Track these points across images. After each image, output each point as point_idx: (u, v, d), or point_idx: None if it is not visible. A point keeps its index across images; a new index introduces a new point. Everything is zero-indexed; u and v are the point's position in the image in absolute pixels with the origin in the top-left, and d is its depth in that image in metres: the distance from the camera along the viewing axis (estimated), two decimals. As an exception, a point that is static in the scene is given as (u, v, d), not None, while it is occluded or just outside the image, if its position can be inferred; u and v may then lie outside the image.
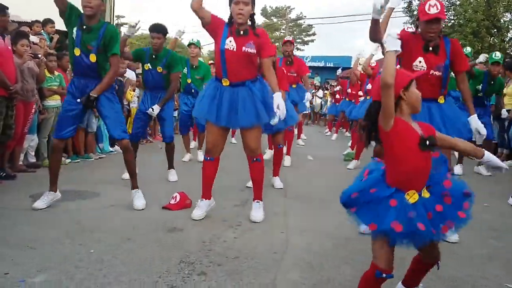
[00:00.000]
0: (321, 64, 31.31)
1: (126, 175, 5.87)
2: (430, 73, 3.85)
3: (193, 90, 7.64)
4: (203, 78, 7.63)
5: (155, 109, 5.81)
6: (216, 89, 4.20)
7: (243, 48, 4.10)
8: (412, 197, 2.24)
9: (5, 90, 5.42)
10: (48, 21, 8.66)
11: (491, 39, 17.38)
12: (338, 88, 14.96)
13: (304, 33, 44.46)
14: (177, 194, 4.66)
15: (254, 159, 4.33)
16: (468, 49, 8.85)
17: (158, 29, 5.73)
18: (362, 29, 66.00)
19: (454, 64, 3.92)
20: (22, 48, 5.94)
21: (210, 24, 4.10)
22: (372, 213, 2.25)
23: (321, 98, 21.89)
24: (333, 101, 16.20)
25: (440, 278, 3.09)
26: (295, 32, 43.66)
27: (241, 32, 4.12)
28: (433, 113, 3.91)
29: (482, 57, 7.64)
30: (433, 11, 3.67)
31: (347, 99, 11.73)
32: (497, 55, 7.36)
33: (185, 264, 3.14)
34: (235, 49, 4.09)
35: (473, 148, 2.47)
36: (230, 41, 4.10)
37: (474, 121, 3.91)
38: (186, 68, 7.57)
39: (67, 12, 4.25)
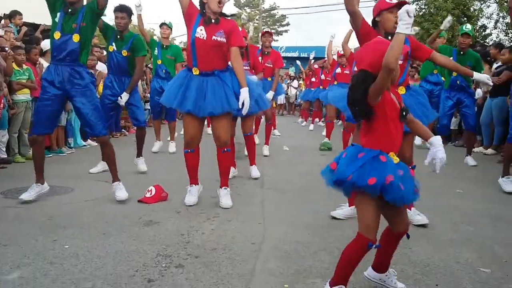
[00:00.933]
0: (296, 54, 31.35)
1: (95, 169, 5.81)
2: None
3: (164, 71, 7.59)
4: (174, 58, 7.63)
5: (124, 97, 5.70)
6: (185, 77, 4.25)
7: (213, 37, 4.15)
8: (394, 158, 2.39)
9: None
10: (16, 13, 8.45)
11: (464, 27, 17.58)
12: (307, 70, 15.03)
13: (278, 24, 44.39)
14: (152, 188, 4.62)
15: (225, 149, 4.36)
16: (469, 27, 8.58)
17: (122, 9, 5.66)
18: (337, 19, 66.25)
19: (419, 55, 3.88)
20: (-12, 41, 5.78)
21: (187, 10, 4.17)
22: (368, 170, 2.30)
23: (296, 88, 21.96)
24: (307, 87, 16.13)
25: (413, 263, 3.15)
26: (269, 23, 43.56)
27: (212, 21, 4.15)
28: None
29: (446, 23, 7.07)
30: None
31: (321, 87, 11.78)
32: (468, 26, 7.11)
33: (162, 257, 3.12)
34: (205, 38, 4.15)
35: (425, 130, 2.59)
36: (201, 30, 4.16)
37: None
38: (156, 49, 7.56)
39: None
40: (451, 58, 6.79)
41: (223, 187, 4.48)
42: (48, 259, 3.02)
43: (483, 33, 18.84)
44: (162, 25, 7.85)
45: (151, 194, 4.57)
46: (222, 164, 4.47)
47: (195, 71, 4.20)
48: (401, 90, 3.90)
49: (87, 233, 3.58)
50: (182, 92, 4.20)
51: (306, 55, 30.42)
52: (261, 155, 7.39)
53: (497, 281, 2.90)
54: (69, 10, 4.23)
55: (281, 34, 44.59)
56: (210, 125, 4.41)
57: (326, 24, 67.59)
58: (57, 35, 4.24)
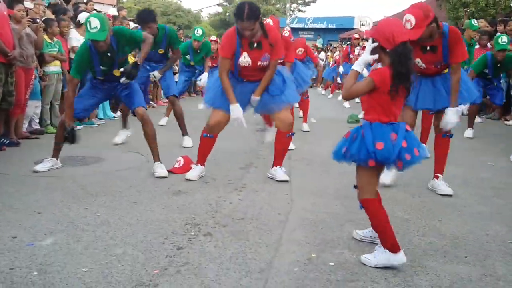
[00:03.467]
0: (323, 25, 30.87)
1: (118, 139, 5.87)
2: (431, 66, 3.95)
3: (197, 70, 8.15)
4: (204, 56, 8.03)
5: (156, 75, 5.88)
6: (231, 80, 4.18)
7: (259, 62, 4.11)
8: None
9: (4, 57, 5.37)
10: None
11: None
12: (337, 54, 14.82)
13: (305, -6, 43.59)
14: (181, 158, 4.68)
15: (289, 133, 4.41)
16: (474, 22, 8.53)
17: (147, 20, 5.62)
18: (364, -12, 64.55)
19: (450, 54, 3.86)
20: (19, 13, 5.85)
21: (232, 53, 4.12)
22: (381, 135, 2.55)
23: (323, 60, 21.65)
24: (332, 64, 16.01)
25: (442, 235, 3.13)
26: (296, -7, 42.80)
27: (255, 45, 4.06)
28: (437, 85, 4.02)
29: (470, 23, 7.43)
30: (408, 26, 3.53)
31: (348, 63, 11.58)
32: (504, 40, 6.89)
33: (191, 226, 3.18)
34: (250, 64, 4.10)
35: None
36: (245, 57, 4.08)
37: (450, 114, 3.91)
38: (188, 55, 7.96)
39: None
40: (487, 70, 7.05)
41: (278, 167, 4.44)
42: (80, 227, 3.11)
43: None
44: (194, 40, 7.90)
45: (179, 164, 4.63)
46: (283, 146, 4.45)
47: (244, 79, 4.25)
48: (445, 71, 4.02)
49: (118, 201, 3.67)
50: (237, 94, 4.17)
51: (333, 26, 29.96)
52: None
53: (528, 254, 2.86)
54: (107, 54, 4.29)
55: (309, 5, 43.81)
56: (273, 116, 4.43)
57: (355, -6, 65.92)
58: (101, 78, 4.46)
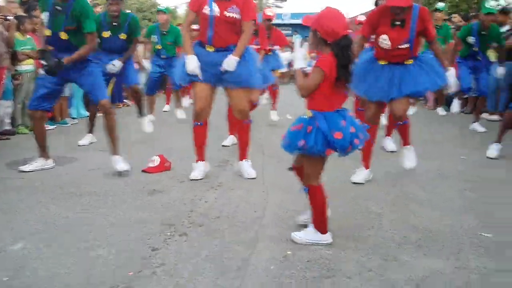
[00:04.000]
0: (301, 21, 30.87)
1: (83, 141, 5.81)
2: (397, 47, 3.98)
3: (164, 56, 7.56)
4: (174, 42, 7.55)
5: (116, 63, 5.64)
6: (200, 54, 4.11)
7: (225, 12, 4.05)
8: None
9: (-27, 56, 5.24)
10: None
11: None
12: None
13: (281, -11, 43.59)
14: (155, 157, 4.63)
15: (246, 121, 4.37)
16: (441, 4, 8.63)
17: None
18: (339, -16, 64.84)
19: (423, 33, 4.02)
20: (-12, 11, 5.71)
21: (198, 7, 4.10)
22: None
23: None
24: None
25: (416, 229, 3.17)
26: (272, -12, 42.77)
27: None
28: (394, 75, 4.07)
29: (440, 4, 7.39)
30: None
31: None
32: (491, 3, 6.68)
33: (166, 226, 3.15)
34: (218, 14, 4.04)
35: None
36: (215, 7, 4.04)
37: (450, 77, 4.11)
38: (156, 36, 7.51)
39: None
40: (473, 37, 6.79)
41: (245, 160, 4.44)
42: (51, 230, 3.05)
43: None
44: (158, 11, 7.77)
45: (154, 164, 4.58)
46: (243, 136, 4.44)
47: (210, 48, 4.12)
48: (408, 62, 4.09)
49: (91, 202, 3.61)
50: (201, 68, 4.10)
51: (310, 22, 29.96)
52: (264, 125, 7.36)
53: (499, 246, 2.91)
54: (57, 7, 4.16)
55: (285, 0, 43.81)
56: (229, 99, 4.35)
57: (331, -10, 66.07)
58: (48, 32, 4.25)
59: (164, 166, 4.58)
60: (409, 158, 4.47)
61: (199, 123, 4.31)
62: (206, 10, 4.05)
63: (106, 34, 5.65)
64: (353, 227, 3.19)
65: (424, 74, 4.07)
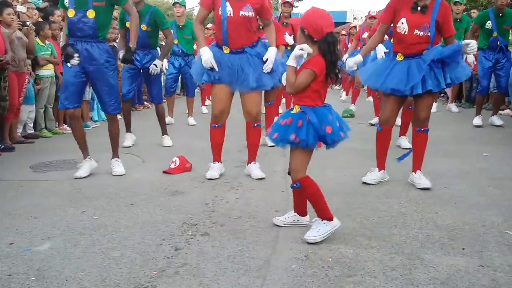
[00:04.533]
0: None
1: (127, 143, 5.85)
2: (414, 33, 3.87)
3: (181, 51, 7.53)
4: (191, 37, 7.47)
5: (158, 64, 5.68)
6: (216, 56, 4.13)
7: (241, 12, 4.05)
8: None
9: (-4, 61, 5.35)
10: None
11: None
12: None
13: (298, -11, 43.50)
14: (176, 159, 4.67)
15: (255, 124, 4.37)
16: None
17: None
18: (357, -18, 64.39)
19: (441, 29, 3.91)
20: (9, 17, 5.82)
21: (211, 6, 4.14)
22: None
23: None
24: None
25: (439, 227, 3.14)
26: (288, -12, 42.67)
27: None
28: (410, 69, 3.90)
29: None
30: None
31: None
32: None
33: (188, 226, 3.18)
34: (232, 14, 4.04)
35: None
36: (227, 7, 4.04)
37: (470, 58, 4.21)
38: (172, 30, 7.44)
39: None
40: (489, 22, 6.74)
41: (252, 162, 4.44)
42: (78, 230, 3.10)
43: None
44: (174, 4, 7.69)
45: (175, 165, 4.62)
46: (252, 139, 4.44)
47: (226, 50, 4.14)
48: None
49: (115, 203, 3.66)
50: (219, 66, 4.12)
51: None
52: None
53: (524, 244, 2.87)
54: None
55: (301, 0, 43.71)
56: (241, 101, 4.34)
57: (347, -12, 65.85)
58: (71, 12, 4.12)
59: (185, 167, 4.62)
60: (423, 183, 4.03)
61: (217, 125, 4.32)
62: (219, 11, 4.06)
63: (144, 27, 5.64)
64: (376, 226, 3.17)
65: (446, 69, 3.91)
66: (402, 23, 3.88)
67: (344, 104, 10.27)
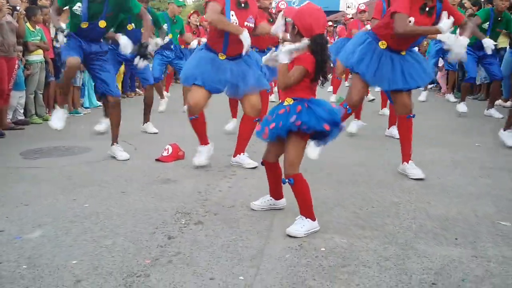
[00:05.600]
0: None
1: (100, 127, 5.84)
2: None
3: (172, 46, 7.56)
4: (180, 31, 7.76)
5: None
6: (213, 60, 4.12)
7: (245, 23, 4.04)
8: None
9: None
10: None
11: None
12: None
13: (290, -24, 43.24)
14: (169, 146, 4.63)
15: (256, 119, 4.34)
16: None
17: None
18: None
19: (454, 17, 3.86)
20: (-1, 1, 5.71)
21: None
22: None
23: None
24: None
25: (431, 217, 3.15)
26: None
27: (242, 5, 4.02)
28: (396, 65, 3.96)
29: None
30: None
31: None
32: None
33: (182, 215, 3.16)
34: (237, 24, 4.00)
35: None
36: (232, 15, 4.00)
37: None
38: (166, 24, 7.39)
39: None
40: (487, 23, 6.77)
41: (242, 153, 4.41)
42: (69, 218, 3.07)
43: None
44: (169, 3, 7.85)
45: (168, 152, 4.59)
46: (247, 133, 4.37)
47: (222, 56, 4.12)
48: (403, 52, 4.01)
49: (106, 191, 3.63)
50: (216, 73, 4.12)
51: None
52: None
53: (517, 234, 2.89)
54: None
55: None
56: (241, 99, 4.37)
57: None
58: (84, 24, 4.27)
59: (177, 155, 4.59)
60: (416, 173, 4.03)
61: (194, 117, 4.27)
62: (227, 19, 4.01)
63: (130, 26, 5.65)
64: (369, 216, 3.17)
65: (419, 68, 4.02)
66: (410, 22, 3.84)
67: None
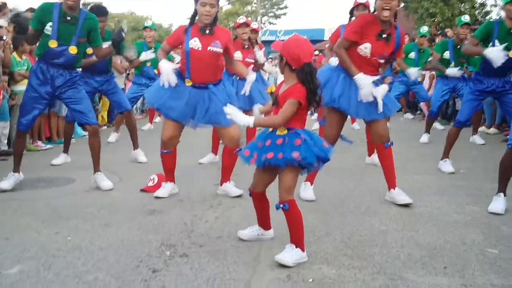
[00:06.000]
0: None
1: (58, 161, 5.78)
2: (374, 59, 3.95)
3: (148, 74, 7.59)
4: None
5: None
6: (176, 86, 4.09)
7: (209, 47, 4.05)
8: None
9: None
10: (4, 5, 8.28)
11: (461, 5, 17.43)
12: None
13: (276, 7, 44.04)
14: (155, 176, 4.59)
15: (238, 149, 4.26)
16: (425, 29, 8.79)
17: (102, 13, 5.50)
18: (333, 1, 65.79)
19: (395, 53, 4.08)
20: (-16, 31, 5.70)
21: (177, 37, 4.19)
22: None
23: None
24: None
25: (420, 246, 3.12)
26: (266, 6, 43.18)
27: (206, 31, 4.07)
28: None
29: (424, 28, 8.17)
30: None
31: None
32: (466, 18, 7.02)
33: (166, 247, 3.09)
34: (200, 48, 4.04)
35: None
36: (195, 41, 4.06)
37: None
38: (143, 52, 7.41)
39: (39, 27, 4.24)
40: (447, 52, 6.97)
41: (227, 182, 4.36)
42: (51, 252, 2.99)
43: (483, 11, 18.59)
44: (144, 28, 7.88)
45: (153, 182, 4.54)
46: (230, 163, 4.32)
47: (188, 82, 4.12)
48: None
49: (90, 224, 3.55)
50: (173, 99, 4.11)
51: (305, 38, 30.33)
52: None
53: (506, 262, 2.87)
54: (68, 18, 4.19)
55: (279, 18, 44.31)
56: (218, 130, 4.33)
57: (324, 6, 67.18)
58: (53, 43, 4.20)
59: (163, 185, 4.53)
60: (403, 199, 4.02)
61: (165, 151, 4.27)
62: (185, 45, 4.07)
63: (90, 50, 5.60)
64: (357, 245, 3.14)
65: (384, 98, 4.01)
66: (366, 48, 3.90)
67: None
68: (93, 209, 3.91)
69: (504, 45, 4.43)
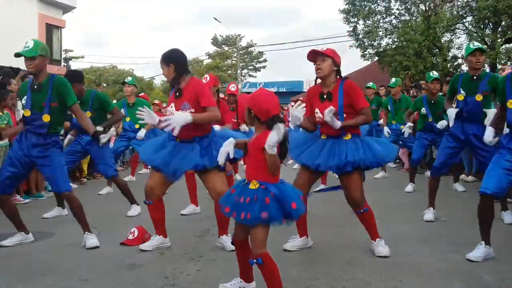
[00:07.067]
0: (274, 89, 31.64)
1: (48, 214, 5.74)
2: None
3: (130, 128, 7.69)
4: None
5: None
6: (165, 139, 4.21)
7: (180, 111, 4.09)
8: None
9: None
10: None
11: (434, 58, 18.07)
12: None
13: (255, 60, 45.08)
14: (135, 229, 4.52)
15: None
16: (393, 80, 9.05)
17: (79, 79, 5.68)
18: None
19: (353, 105, 4.02)
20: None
21: None
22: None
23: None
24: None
25: (405, 296, 3.10)
26: (246, 60, 44.18)
27: (177, 94, 4.18)
28: (335, 148, 4.00)
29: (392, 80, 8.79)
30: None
31: None
32: (435, 73, 7.20)
33: (147, 302, 3.01)
34: (173, 113, 4.07)
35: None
36: (171, 107, 4.19)
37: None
38: (122, 109, 7.57)
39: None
40: (423, 109, 7.15)
41: (225, 234, 4.27)
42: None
43: (455, 64, 19.28)
44: (123, 83, 8.01)
45: (133, 235, 4.46)
46: (223, 215, 4.28)
47: (178, 139, 4.15)
48: (347, 137, 4.02)
49: (68, 280, 3.46)
50: (159, 149, 4.17)
51: (284, 90, 30.91)
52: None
53: (489, 311, 2.86)
54: (35, 87, 4.30)
55: (259, 70, 45.31)
56: (205, 184, 4.26)
57: (302, 59, 68.79)
58: (27, 112, 4.32)
59: (144, 238, 4.45)
60: (381, 251, 4.01)
61: (148, 202, 4.25)
62: (167, 109, 4.21)
63: None
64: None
65: (360, 149, 3.98)
66: (317, 112, 4.06)
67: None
68: (71, 264, 3.81)
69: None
